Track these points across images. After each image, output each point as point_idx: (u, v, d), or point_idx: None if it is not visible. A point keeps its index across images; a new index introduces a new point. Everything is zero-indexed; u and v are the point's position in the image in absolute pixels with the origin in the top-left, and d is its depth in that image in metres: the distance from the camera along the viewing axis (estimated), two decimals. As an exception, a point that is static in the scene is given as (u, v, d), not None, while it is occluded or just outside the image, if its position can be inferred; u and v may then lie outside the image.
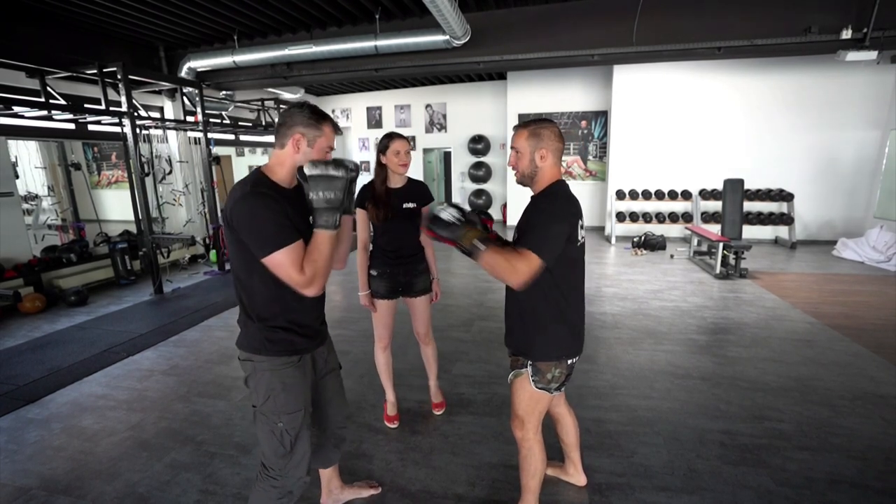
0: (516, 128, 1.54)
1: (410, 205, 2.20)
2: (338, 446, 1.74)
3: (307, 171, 1.27)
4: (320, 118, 1.33)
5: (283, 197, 1.30)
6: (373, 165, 11.46)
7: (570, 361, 1.57)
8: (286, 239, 1.23)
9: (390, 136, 2.15)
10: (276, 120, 8.29)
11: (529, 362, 1.56)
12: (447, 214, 1.41)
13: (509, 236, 1.49)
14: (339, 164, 1.29)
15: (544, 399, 1.60)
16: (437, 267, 2.46)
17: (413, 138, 10.63)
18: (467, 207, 1.45)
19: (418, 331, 2.45)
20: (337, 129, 1.40)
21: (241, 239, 1.27)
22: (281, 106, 8.30)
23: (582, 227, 1.50)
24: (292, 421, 1.39)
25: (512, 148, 1.54)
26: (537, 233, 1.40)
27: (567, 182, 1.55)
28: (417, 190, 2.25)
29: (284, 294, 1.33)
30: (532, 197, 1.56)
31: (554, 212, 1.43)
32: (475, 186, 10.19)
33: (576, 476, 2.00)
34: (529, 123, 1.50)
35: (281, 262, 1.23)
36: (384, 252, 2.25)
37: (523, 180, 1.55)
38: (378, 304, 2.31)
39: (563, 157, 8.76)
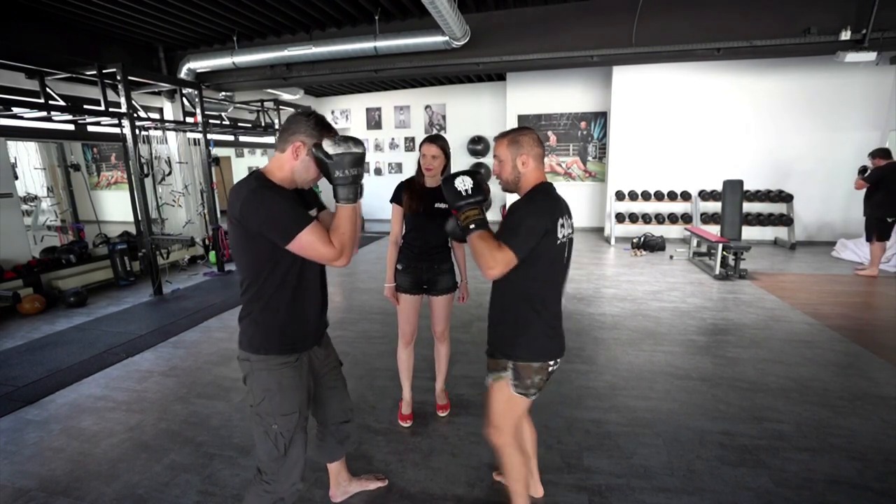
0: (497, 138, 1.58)
1: (443, 205, 2.25)
2: (342, 442, 1.76)
3: (330, 150, 1.28)
4: (323, 130, 1.35)
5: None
6: (372, 167, 11.53)
7: (550, 366, 1.55)
8: (306, 220, 1.27)
9: (426, 139, 2.23)
10: (282, 123, 8.36)
11: (511, 364, 1.54)
12: (461, 183, 1.44)
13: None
14: (357, 140, 1.32)
15: (522, 404, 1.59)
16: (466, 269, 2.49)
17: (412, 139, 10.64)
18: (485, 190, 1.48)
19: (435, 329, 2.48)
20: None
21: (252, 235, 1.28)
22: (280, 107, 8.30)
23: (564, 227, 1.49)
24: (287, 423, 1.40)
25: (494, 157, 1.58)
26: (512, 228, 1.42)
27: (553, 184, 1.56)
28: None
29: (285, 293, 1.36)
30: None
31: (530, 209, 1.46)
32: (475, 187, 10.19)
33: (533, 486, 1.94)
34: (509, 132, 1.56)
35: (309, 240, 1.26)
36: (410, 247, 2.32)
37: (507, 187, 1.58)
38: (401, 298, 2.36)
39: (563, 159, 8.81)
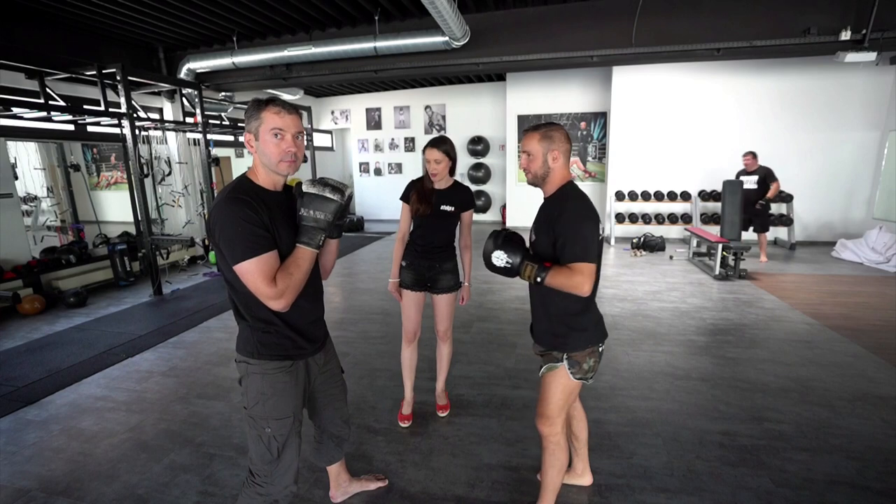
0: (527, 131, 1.60)
1: (449, 207, 2.26)
2: (340, 446, 1.77)
3: (305, 187, 1.27)
4: (258, 106, 1.28)
5: (264, 203, 1.26)
6: (372, 167, 11.52)
7: (600, 348, 1.62)
8: (258, 249, 1.21)
9: (429, 144, 2.21)
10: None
11: (565, 356, 1.58)
12: (499, 260, 1.50)
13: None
14: (336, 188, 1.28)
15: (577, 390, 1.64)
16: (471, 273, 2.53)
17: (412, 139, 10.64)
18: (516, 243, 1.51)
19: (438, 328, 2.49)
20: (286, 107, 1.27)
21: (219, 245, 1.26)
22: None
23: (600, 221, 1.55)
24: (280, 427, 1.39)
25: (524, 151, 1.60)
26: (577, 242, 1.45)
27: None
28: (459, 195, 2.31)
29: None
30: (546, 199, 1.61)
31: (581, 214, 1.49)
32: (475, 188, 10.20)
33: (584, 475, 2.00)
34: (540, 127, 1.57)
35: (250, 271, 1.21)
36: (415, 245, 2.35)
37: (535, 181, 1.61)
38: (404, 294, 2.38)
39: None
